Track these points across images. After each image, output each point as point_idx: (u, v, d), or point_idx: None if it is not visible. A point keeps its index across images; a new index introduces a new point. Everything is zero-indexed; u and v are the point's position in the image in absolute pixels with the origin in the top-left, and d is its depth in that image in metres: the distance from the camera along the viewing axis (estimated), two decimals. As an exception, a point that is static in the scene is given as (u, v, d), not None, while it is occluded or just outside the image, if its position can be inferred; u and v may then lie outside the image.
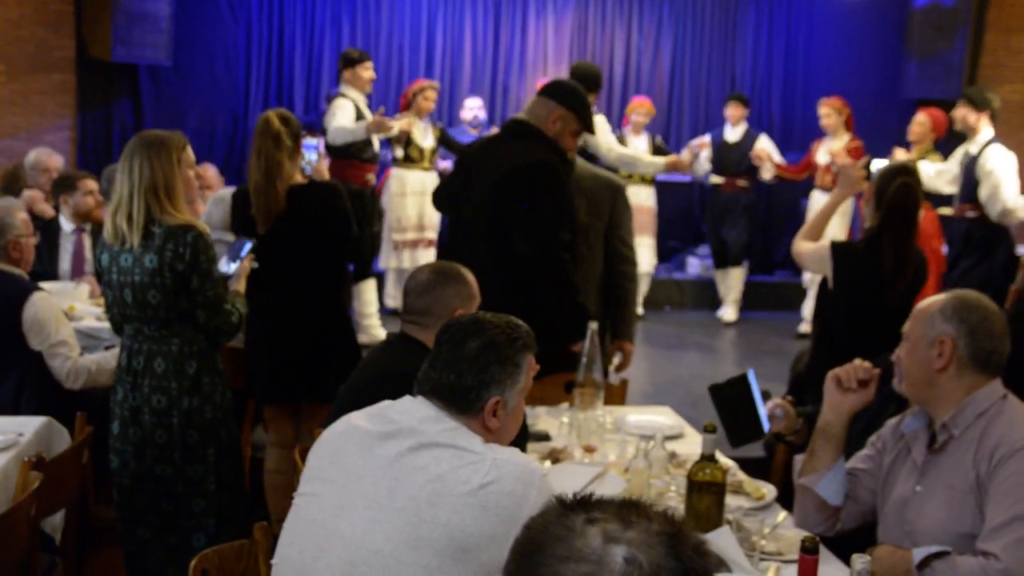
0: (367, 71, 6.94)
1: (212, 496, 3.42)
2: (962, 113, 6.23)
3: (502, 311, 3.34)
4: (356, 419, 2.11)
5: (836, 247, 3.93)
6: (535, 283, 3.75)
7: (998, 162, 6.01)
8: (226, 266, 3.58)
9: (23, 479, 2.87)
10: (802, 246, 4.10)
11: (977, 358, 2.41)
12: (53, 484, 2.94)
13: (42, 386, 3.86)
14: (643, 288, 8.64)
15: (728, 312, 8.68)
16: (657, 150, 8.35)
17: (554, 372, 3.62)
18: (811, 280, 7.97)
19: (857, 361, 2.63)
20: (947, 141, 7.16)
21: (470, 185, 3.95)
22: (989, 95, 6.27)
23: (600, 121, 6.65)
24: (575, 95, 3.92)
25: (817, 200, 7.97)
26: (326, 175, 4.17)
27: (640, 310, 8.64)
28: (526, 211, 3.71)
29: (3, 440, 3.14)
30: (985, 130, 6.18)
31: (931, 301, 2.50)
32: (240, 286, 3.57)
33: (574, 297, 3.79)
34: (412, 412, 2.06)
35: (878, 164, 4.47)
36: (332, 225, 4.00)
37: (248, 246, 3.66)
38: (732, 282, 8.66)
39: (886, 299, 3.76)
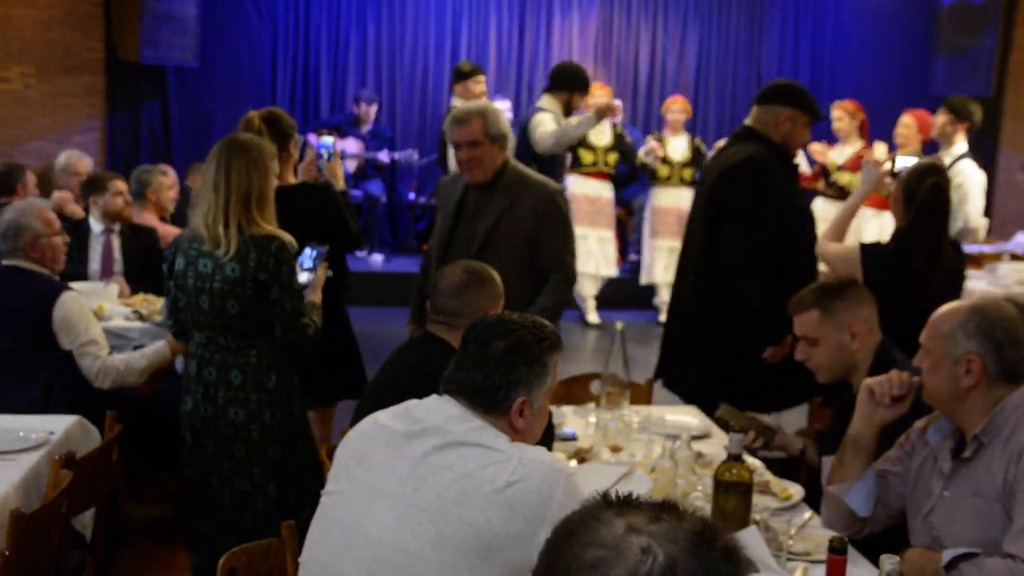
0: (478, 85, 6.93)
1: (293, 509, 3.19)
2: (941, 121, 6.05)
3: (708, 318, 3.39)
4: (382, 418, 2.12)
5: (866, 249, 3.89)
6: (732, 288, 3.92)
7: (968, 177, 5.84)
8: (300, 277, 3.40)
9: (54, 477, 2.90)
10: (829, 247, 4.06)
11: (1006, 371, 2.37)
12: (83, 482, 2.97)
13: (72, 386, 3.88)
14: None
15: None
16: (696, 151, 8.26)
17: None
18: None
19: (893, 373, 2.58)
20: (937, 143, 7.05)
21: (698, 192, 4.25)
22: (972, 107, 6.08)
23: (547, 119, 6.58)
24: (792, 90, 4.12)
25: (820, 208, 7.61)
26: (338, 176, 4.09)
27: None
28: (730, 213, 3.91)
29: (34, 439, 3.17)
30: (959, 143, 6.01)
31: (949, 314, 2.43)
32: (316, 297, 3.43)
33: (759, 310, 3.87)
34: (438, 411, 2.06)
35: (903, 161, 4.39)
36: (323, 227, 3.89)
37: (319, 253, 3.48)
38: None
39: (919, 301, 3.71)
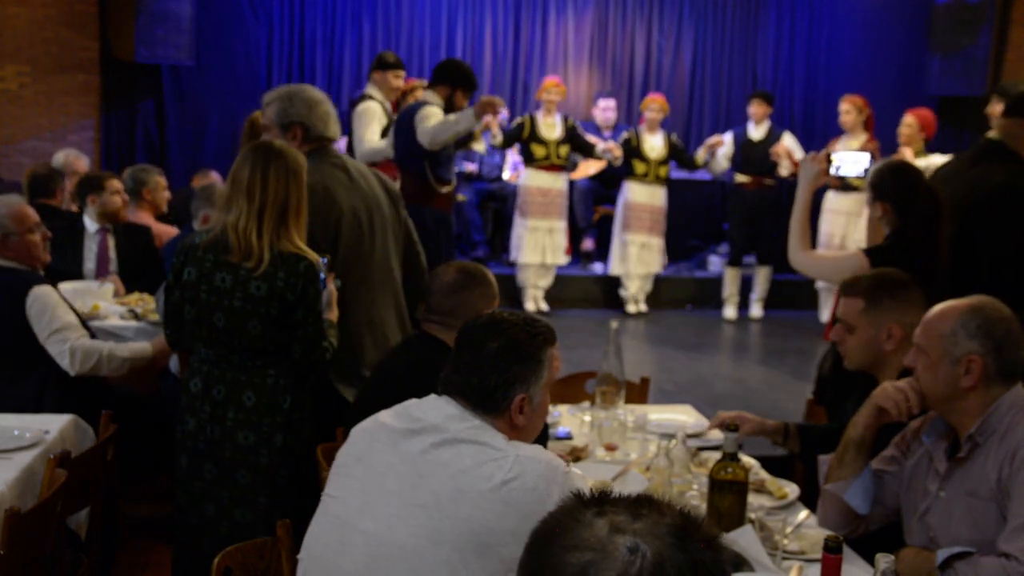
0: (398, 79, 6.76)
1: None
2: (998, 109, 6.13)
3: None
4: (383, 417, 2.13)
5: (874, 255, 3.78)
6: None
7: None
8: None
9: (49, 476, 2.90)
10: (812, 258, 3.92)
11: (1004, 371, 2.37)
12: (78, 482, 2.96)
13: (65, 385, 3.88)
14: (647, 287, 8.66)
15: (754, 309, 8.70)
16: (673, 148, 8.33)
17: None
18: (826, 285, 7.92)
19: (909, 391, 2.51)
20: (939, 140, 7.11)
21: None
22: None
23: (435, 112, 6.04)
24: None
25: (831, 200, 7.91)
26: None
27: (644, 307, 8.67)
28: (996, 236, 3.79)
29: (29, 437, 3.17)
30: None
31: (947, 313, 2.42)
32: (333, 314, 3.21)
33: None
34: (436, 410, 2.07)
35: (841, 156, 4.21)
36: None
37: (323, 263, 3.20)
38: (759, 280, 8.68)
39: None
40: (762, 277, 8.69)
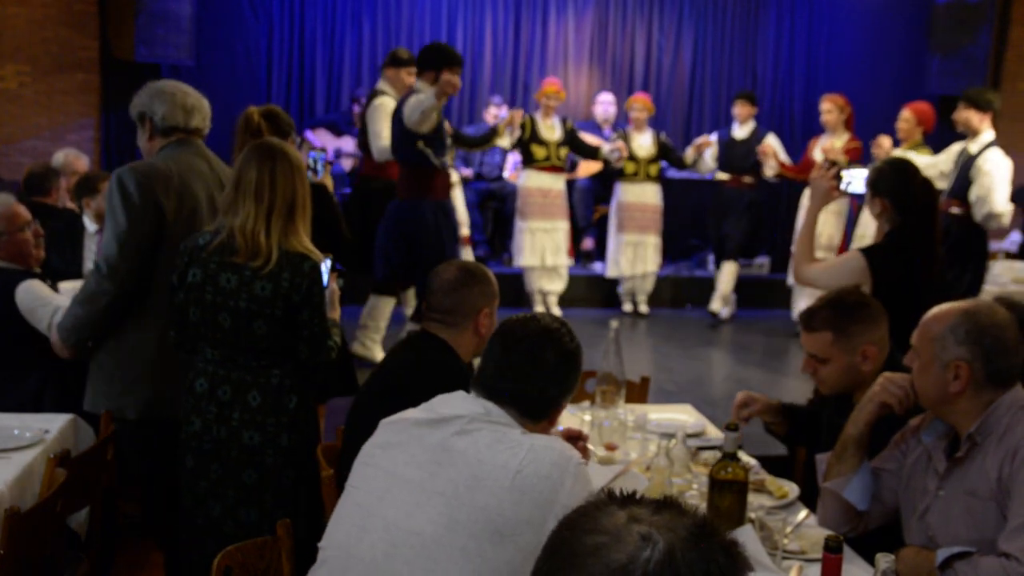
0: (411, 76, 6.64)
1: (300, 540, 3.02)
2: (965, 116, 6.19)
3: None
4: (410, 412, 2.16)
5: (872, 255, 3.75)
6: None
7: (995, 165, 6.03)
8: None
9: (49, 476, 2.90)
10: (816, 269, 3.89)
11: (995, 378, 2.37)
12: (78, 481, 2.96)
13: (64, 385, 3.87)
14: (647, 286, 8.64)
15: (715, 305, 8.59)
16: (662, 147, 8.32)
17: None
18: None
19: (908, 385, 2.53)
20: (939, 134, 7.12)
21: None
22: (990, 96, 6.26)
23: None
24: None
25: (808, 197, 7.91)
26: (329, 187, 4.08)
27: (646, 308, 8.66)
28: None
29: (29, 437, 3.17)
30: (987, 132, 6.17)
31: (941, 316, 2.43)
32: (335, 313, 3.19)
33: None
34: (462, 405, 2.10)
35: (852, 173, 4.21)
36: (319, 228, 3.69)
37: (327, 264, 3.14)
38: (724, 277, 8.58)
39: (921, 298, 3.66)
40: (727, 275, 8.56)
